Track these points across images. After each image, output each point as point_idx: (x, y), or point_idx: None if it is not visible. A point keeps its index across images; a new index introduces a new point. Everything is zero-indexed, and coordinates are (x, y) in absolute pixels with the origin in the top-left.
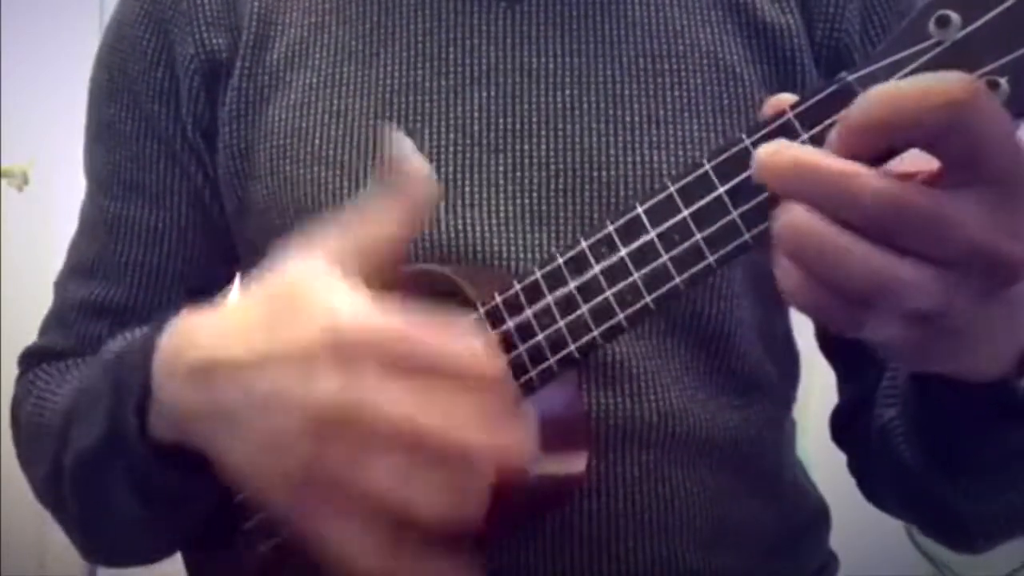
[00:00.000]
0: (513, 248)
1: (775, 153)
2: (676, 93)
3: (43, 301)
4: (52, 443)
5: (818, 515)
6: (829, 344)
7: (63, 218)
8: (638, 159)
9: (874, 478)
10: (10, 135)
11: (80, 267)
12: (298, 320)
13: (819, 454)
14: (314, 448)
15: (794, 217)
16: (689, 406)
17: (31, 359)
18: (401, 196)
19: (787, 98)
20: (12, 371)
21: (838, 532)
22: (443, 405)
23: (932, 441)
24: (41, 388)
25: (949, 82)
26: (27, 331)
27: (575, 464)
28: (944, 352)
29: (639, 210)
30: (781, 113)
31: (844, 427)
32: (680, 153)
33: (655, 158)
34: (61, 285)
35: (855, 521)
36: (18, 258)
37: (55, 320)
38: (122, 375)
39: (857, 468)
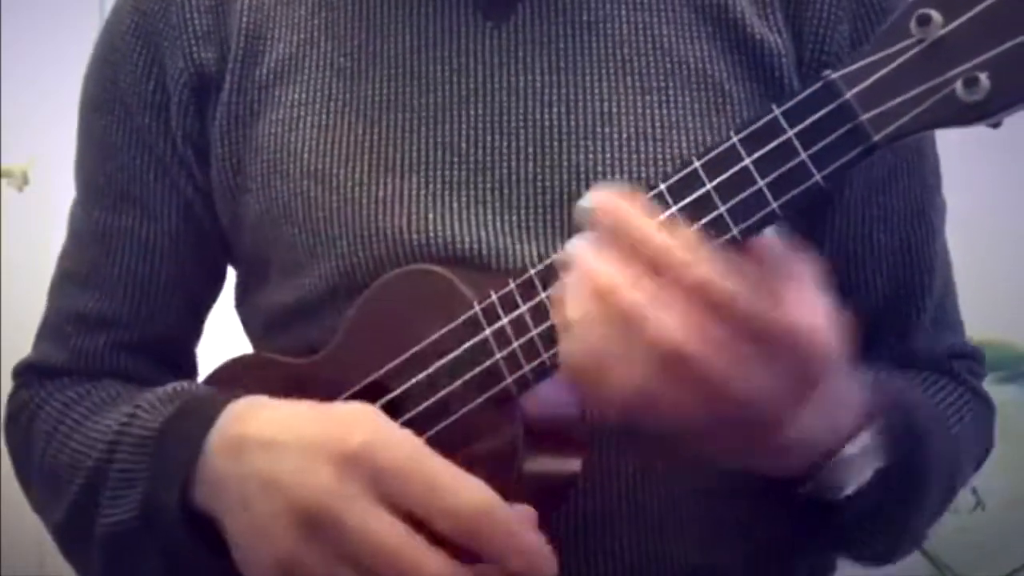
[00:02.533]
0: (499, 263)
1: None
2: (664, 111)
3: (43, 301)
4: (72, 498)
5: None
6: None
7: (63, 218)
8: (626, 175)
9: None
10: (10, 135)
11: (73, 277)
12: (334, 424)
13: None
14: (293, 543)
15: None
16: None
17: (27, 374)
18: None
19: None
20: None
21: None
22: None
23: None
24: (51, 418)
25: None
26: (27, 330)
27: (571, 463)
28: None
29: None
30: (768, 111)
31: None
32: (668, 170)
33: (644, 175)
34: (54, 294)
35: None
36: (18, 258)
37: (49, 330)
38: (164, 461)
39: None
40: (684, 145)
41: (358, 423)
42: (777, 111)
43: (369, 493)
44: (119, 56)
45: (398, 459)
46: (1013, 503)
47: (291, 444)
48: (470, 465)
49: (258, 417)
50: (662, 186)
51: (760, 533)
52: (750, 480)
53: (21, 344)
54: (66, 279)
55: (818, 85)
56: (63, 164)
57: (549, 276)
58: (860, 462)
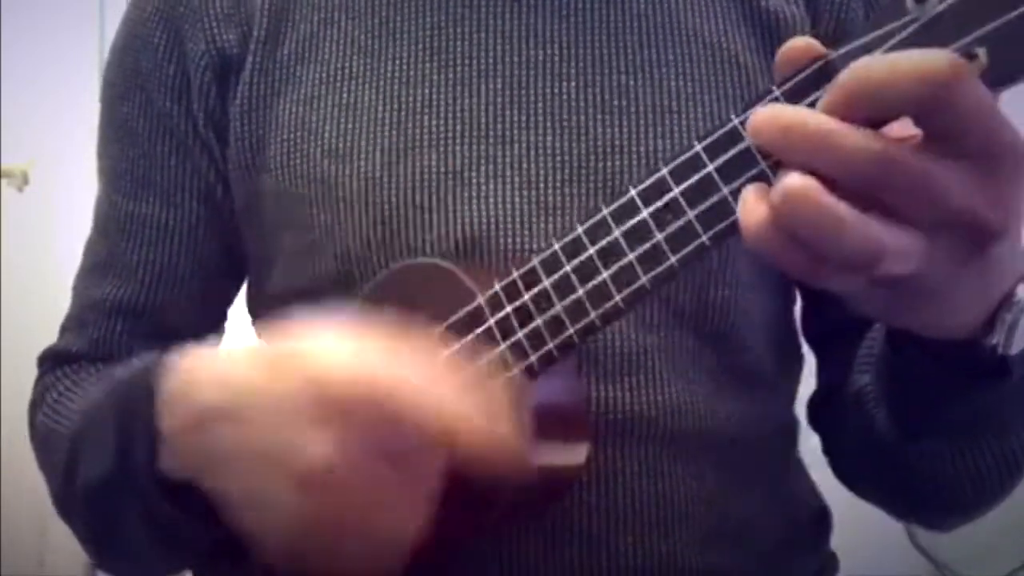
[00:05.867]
0: (521, 239)
1: (770, 117)
2: (680, 83)
3: (43, 301)
4: (62, 460)
5: (818, 516)
6: (810, 328)
7: (63, 218)
8: (643, 149)
9: (845, 450)
10: (10, 135)
11: (94, 266)
12: (289, 373)
13: (819, 454)
14: (301, 502)
15: (790, 184)
16: (690, 401)
17: (49, 362)
18: None
19: (809, 42)
20: (12, 369)
21: (838, 532)
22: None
23: (901, 401)
24: (55, 397)
25: (935, 59)
26: (27, 330)
27: (575, 455)
28: (911, 308)
29: (632, 192)
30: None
31: (819, 408)
32: (685, 142)
33: (660, 147)
34: (78, 285)
35: (855, 521)
36: (18, 258)
37: (72, 321)
38: (128, 410)
39: (830, 448)
40: (700, 117)
41: (299, 365)
42: (777, 91)
43: (358, 442)
44: (140, 42)
45: (366, 398)
46: (1012, 503)
47: (257, 412)
48: None
49: (208, 378)
50: (664, 169)
51: (762, 535)
52: (753, 480)
53: (21, 344)
54: (88, 269)
55: (818, 65)
56: (63, 164)
57: (552, 263)
58: None
